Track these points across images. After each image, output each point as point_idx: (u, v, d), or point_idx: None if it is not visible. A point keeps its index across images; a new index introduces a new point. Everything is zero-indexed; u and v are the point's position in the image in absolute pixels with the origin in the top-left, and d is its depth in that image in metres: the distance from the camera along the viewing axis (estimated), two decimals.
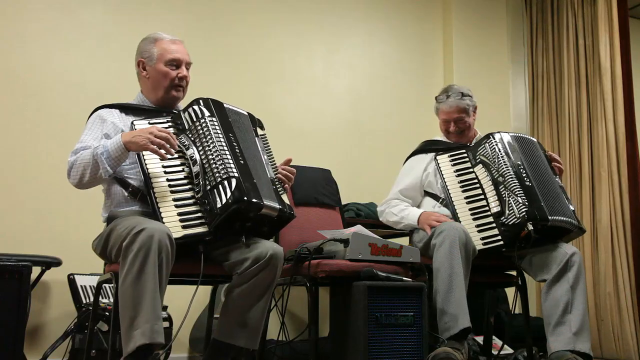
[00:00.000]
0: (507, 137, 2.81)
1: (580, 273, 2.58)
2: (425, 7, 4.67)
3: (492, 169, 2.73)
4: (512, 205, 2.62)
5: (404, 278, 2.39)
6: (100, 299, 2.61)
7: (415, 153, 3.04)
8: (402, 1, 4.60)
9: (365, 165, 4.13)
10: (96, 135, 2.19)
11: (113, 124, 2.22)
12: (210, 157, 2.07)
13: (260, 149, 2.28)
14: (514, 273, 2.91)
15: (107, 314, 2.71)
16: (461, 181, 2.79)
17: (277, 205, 2.12)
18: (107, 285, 2.96)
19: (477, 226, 2.66)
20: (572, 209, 2.77)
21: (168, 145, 2.03)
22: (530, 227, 2.56)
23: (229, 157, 2.08)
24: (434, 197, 2.87)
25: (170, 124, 2.20)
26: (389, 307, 2.29)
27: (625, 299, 3.66)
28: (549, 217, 2.60)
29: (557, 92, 4.40)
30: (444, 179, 2.81)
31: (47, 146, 3.26)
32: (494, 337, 3.25)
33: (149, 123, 2.17)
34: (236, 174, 2.04)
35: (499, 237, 2.61)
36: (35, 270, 2.77)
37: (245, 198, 2.00)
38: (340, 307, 2.41)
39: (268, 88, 3.95)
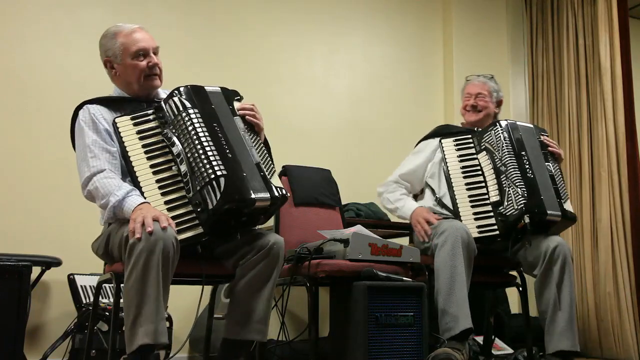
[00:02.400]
0: (513, 126, 2.80)
1: (566, 265, 2.57)
2: (425, 7, 4.67)
3: (495, 157, 2.73)
4: (511, 196, 2.62)
5: (404, 278, 2.39)
6: (100, 299, 2.61)
7: (427, 137, 3.05)
8: (402, 1, 4.59)
9: (365, 165, 4.13)
10: (97, 138, 2.09)
11: (103, 118, 2.14)
12: (196, 154, 2.00)
13: (241, 130, 2.15)
14: (514, 273, 2.91)
15: (107, 314, 2.71)
16: (463, 167, 2.79)
17: (267, 195, 2.03)
18: (107, 285, 2.96)
19: (475, 214, 2.67)
20: (564, 198, 2.74)
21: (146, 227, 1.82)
22: (527, 219, 2.57)
23: (214, 152, 2.00)
24: (433, 192, 2.87)
25: (154, 116, 2.13)
26: (389, 307, 2.29)
27: (625, 299, 3.65)
28: (547, 212, 2.60)
29: (557, 92, 4.39)
30: (446, 163, 2.81)
31: (47, 146, 3.25)
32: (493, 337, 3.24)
33: (131, 118, 2.11)
34: (224, 172, 1.97)
35: (495, 227, 2.62)
36: (35, 270, 2.78)
37: (237, 197, 1.96)
38: (340, 307, 2.41)
39: (268, 88, 3.94)
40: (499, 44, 4.70)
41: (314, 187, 3.01)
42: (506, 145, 2.72)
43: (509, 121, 2.83)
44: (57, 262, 2.92)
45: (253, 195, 1.99)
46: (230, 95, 2.24)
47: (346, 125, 4.19)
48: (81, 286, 2.98)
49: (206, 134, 2.04)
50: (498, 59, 4.67)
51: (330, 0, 4.29)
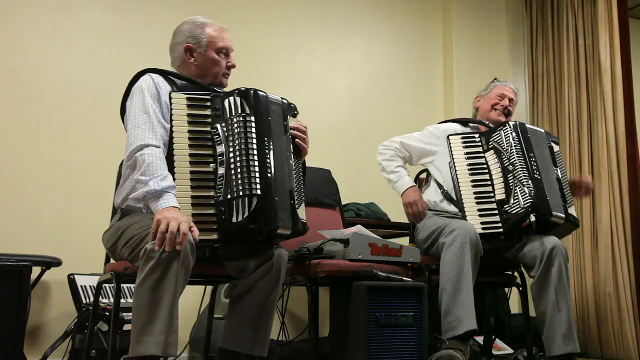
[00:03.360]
0: (523, 127, 2.81)
1: (562, 268, 2.58)
2: (425, 7, 4.67)
3: (503, 156, 2.74)
4: (517, 195, 2.63)
5: (404, 278, 2.39)
6: (100, 299, 2.61)
7: (445, 122, 3.13)
8: (402, 1, 4.60)
9: (365, 165, 4.12)
10: (157, 109, 2.06)
11: (165, 91, 2.11)
12: (239, 164, 1.97)
13: (287, 151, 2.15)
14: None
15: (107, 314, 2.71)
16: (470, 164, 2.80)
17: (290, 226, 2.05)
18: (107, 285, 2.96)
19: (479, 210, 2.68)
20: (569, 203, 2.78)
21: (169, 242, 1.76)
22: (533, 218, 2.57)
23: (256, 169, 1.98)
24: (440, 185, 2.88)
25: (209, 103, 2.09)
26: (389, 307, 2.29)
27: (625, 299, 3.65)
28: (553, 212, 2.61)
29: (557, 92, 4.39)
30: (453, 158, 2.83)
31: (47, 146, 3.26)
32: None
33: (187, 99, 2.08)
34: (259, 192, 1.95)
35: (500, 225, 2.63)
36: (35, 270, 2.77)
37: (262, 221, 1.96)
38: (340, 307, 2.41)
39: (268, 88, 3.89)
40: (499, 44, 4.70)
41: (314, 187, 3.01)
42: (515, 145, 2.73)
43: (518, 122, 2.84)
44: (57, 262, 2.92)
45: (278, 224, 2.00)
46: (287, 109, 2.23)
47: (346, 125, 4.19)
48: (81, 286, 2.98)
49: (254, 147, 2.01)
50: (498, 59, 4.67)
51: (330, 0, 4.29)
